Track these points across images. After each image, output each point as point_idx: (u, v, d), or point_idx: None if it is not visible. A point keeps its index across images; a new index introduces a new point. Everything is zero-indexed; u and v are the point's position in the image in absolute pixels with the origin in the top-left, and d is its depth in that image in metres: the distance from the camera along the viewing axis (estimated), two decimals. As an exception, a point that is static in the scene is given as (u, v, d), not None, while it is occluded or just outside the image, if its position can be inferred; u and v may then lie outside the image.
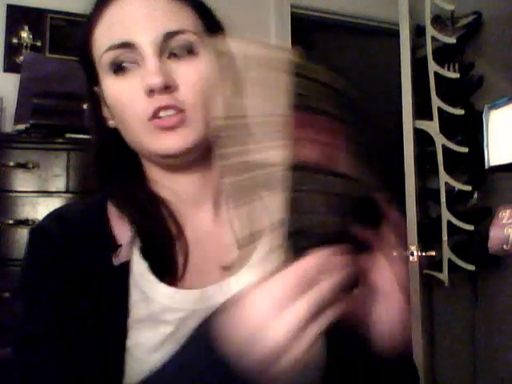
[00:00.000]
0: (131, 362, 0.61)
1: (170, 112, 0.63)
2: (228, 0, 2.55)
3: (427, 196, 2.36)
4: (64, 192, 1.74)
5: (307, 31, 3.04)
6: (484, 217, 2.11)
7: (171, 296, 0.64)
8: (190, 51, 0.65)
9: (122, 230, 0.67)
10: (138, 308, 0.63)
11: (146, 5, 0.64)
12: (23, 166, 1.71)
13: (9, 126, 1.98)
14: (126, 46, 0.63)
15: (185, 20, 0.65)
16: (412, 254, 2.04)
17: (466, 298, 2.25)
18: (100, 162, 0.71)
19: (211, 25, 0.70)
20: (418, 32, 2.32)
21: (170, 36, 0.63)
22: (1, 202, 1.70)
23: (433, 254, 2.10)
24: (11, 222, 1.68)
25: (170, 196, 0.70)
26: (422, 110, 2.25)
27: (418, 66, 2.26)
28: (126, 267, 0.65)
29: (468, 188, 2.14)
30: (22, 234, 1.68)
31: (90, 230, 0.67)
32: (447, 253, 2.10)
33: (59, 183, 1.74)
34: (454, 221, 2.13)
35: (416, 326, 2.28)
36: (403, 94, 2.28)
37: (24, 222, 1.69)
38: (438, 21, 2.24)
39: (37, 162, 1.72)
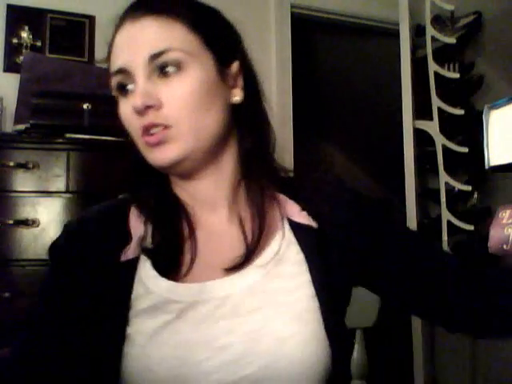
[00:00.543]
0: (131, 347, 0.67)
1: (158, 129, 0.68)
2: (228, 0, 2.55)
3: (427, 196, 2.36)
4: (64, 192, 1.74)
5: (307, 31, 3.04)
6: (484, 217, 2.11)
7: (171, 289, 0.69)
8: (178, 67, 0.68)
9: (137, 229, 0.73)
10: (141, 300, 0.69)
11: (136, 30, 0.69)
12: (23, 165, 1.70)
13: (9, 126, 1.98)
14: (122, 71, 0.69)
15: (171, 38, 0.69)
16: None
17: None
18: (133, 165, 0.77)
19: (212, 33, 0.72)
20: (418, 32, 2.32)
21: (155, 57, 0.68)
22: (1, 201, 1.70)
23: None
24: (11, 222, 1.68)
25: (188, 198, 0.76)
26: (422, 110, 2.25)
27: (418, 65, 2.27)
28: (133, 263, 0.71)
29: (468, 188, 2.14)
30: (22, 234, 1.68)
31: (108, 230, 0.74)
32: (447, 253, 2.10)
33: (59, 183, 1.74)
34: (454, 221, 2.13)
35: (416, 326, 2.28)
36: (403, 94, 2.29)
37: (24, 222, 1.68)
38: (438, 21, 2.24)
39: (37, 162, 1.72)
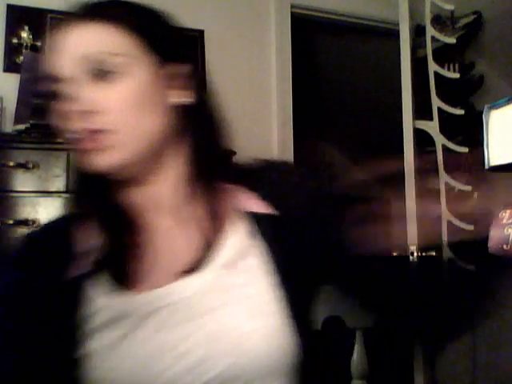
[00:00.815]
0: (94, 359, 0.65)
1: (99, 134, 0.66)
2: (228, 0, 2.55)
3: (427, 196, 2.36)
4: (64, 192, 1.74)
5: (307, 31, 3.04)
6: (484, 217, 2.11)
7: (127, 301, 0.67)
8: (119, 72, 0.67)
9: (84, 244, 0.71)
10: (98, 315, 0.67)
11: (75, 37, 0.68)
12: (23, 165, 1.71)
13: (9, 126, 1.98)
14: (60, 77, 0.68)
15: (111, 43, 0.68)
16: (412, 254, 2.04)
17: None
18: (74, 175, 0.76)
19: (154, 36, 0.71)
20: (417, 32, 2.31)
21: (95, 63, 0.67)
22: (1, 202, 1.70)
23: (433, 253, 2.10)
24: (11, 222, 1.68)
25: (137, 203, 0.74)
26: (422, 110, 2.25)
27: (418, 65, 2.26)
28: (83, 280, 0.69)
29: (468, 188, 2.14)
30: (22, 234, 1.68)
31: (53, 248, 0.72)
32: (447, 253, 2.10)
33: (59, 183, 1.74)
34: (454, 221, 2.13)
35: (416, 326, 2.28)
36: (403, 94, 2.28)
37: (24, 222, 1.68)
38: (438, 21, 2.24)
39: (37, 162, 1.72)
